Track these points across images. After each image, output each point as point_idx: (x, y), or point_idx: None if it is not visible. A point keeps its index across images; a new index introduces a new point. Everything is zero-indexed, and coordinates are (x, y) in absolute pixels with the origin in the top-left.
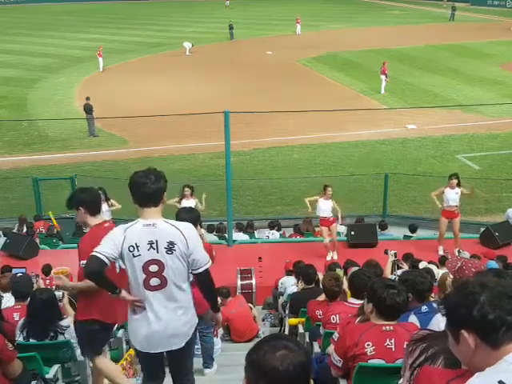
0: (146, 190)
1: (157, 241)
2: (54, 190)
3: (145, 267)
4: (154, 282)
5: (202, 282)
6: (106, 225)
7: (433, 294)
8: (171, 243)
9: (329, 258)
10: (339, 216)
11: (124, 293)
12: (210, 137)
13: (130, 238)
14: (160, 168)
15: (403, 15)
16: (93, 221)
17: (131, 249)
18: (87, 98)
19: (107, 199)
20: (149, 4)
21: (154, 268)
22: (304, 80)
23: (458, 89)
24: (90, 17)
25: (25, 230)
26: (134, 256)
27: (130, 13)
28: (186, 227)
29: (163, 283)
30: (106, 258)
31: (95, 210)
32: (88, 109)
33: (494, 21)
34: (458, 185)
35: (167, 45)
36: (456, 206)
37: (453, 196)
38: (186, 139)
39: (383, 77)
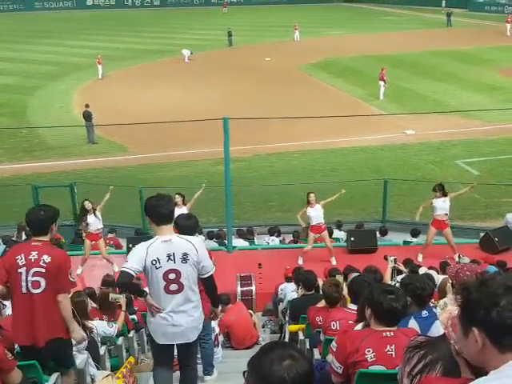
0: (164, 211)
1: (174, 253)
2: (54, 197)
3: (165, 276)
4: (173, 287)
5: (208, 285)
6: (33, 244)
7: (433, 300)
8: (185, 254)
9: (300, 262)
10: (332, 198)
11: (149, 297)
12: (209, 143)
13: (152, 253)
14: (159, 174)
15: (400, 21)
16: (33, 236)
17: (154, 262)
18: (86, 105)
19: (94, 210)
20: (147, 12)
21: (172, 276)
22: (302, 86)
23: (457, 94)
24: (88, 24)
25: (24, 237)
26: (157, 268)
27: (128, 20)
28: (197, 241)
29: (180, 288)
30: (133, 271)
31: (33, 231)
32: (87, 116)
33: (491, 26)
34: (445, 194)
35: (166, 52)
36: (446, 215)
37: (441, 205)
38: (185, 146)
39: (382, 83)
